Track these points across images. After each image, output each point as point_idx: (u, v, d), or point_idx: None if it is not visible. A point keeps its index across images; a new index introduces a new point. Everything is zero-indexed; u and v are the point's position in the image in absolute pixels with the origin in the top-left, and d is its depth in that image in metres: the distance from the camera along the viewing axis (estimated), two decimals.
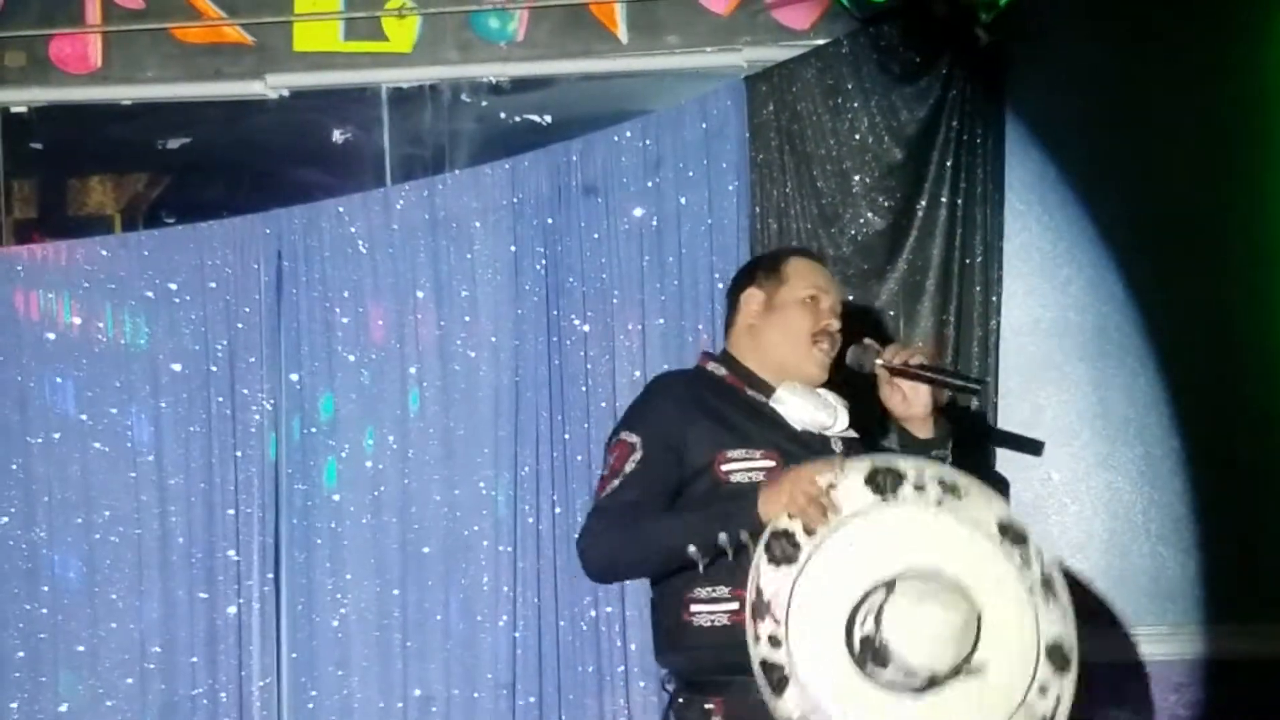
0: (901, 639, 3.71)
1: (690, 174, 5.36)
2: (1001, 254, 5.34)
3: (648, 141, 5.38)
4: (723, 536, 3.89)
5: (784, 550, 3.84)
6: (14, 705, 5.42)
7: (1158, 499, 5.34)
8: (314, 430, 5.43)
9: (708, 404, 4.17)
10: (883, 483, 3.86)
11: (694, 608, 4.03)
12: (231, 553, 5.41)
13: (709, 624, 4.04)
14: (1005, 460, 5.30)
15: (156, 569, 5.42)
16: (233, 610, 5.41)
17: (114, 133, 5.78)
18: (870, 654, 3.74)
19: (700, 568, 3.92)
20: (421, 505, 5.39)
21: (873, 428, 4.40)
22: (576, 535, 4.08)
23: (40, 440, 5.46)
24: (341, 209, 5.45)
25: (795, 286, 4.27)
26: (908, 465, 3.87)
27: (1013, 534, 3.83)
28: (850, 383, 4.25)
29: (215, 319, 5.46)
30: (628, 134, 5.38)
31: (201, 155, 5.82)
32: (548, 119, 5.66)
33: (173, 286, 5.46)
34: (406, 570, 5.38)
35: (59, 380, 5.46)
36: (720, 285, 5.30)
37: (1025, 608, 3.81)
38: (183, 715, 5.40)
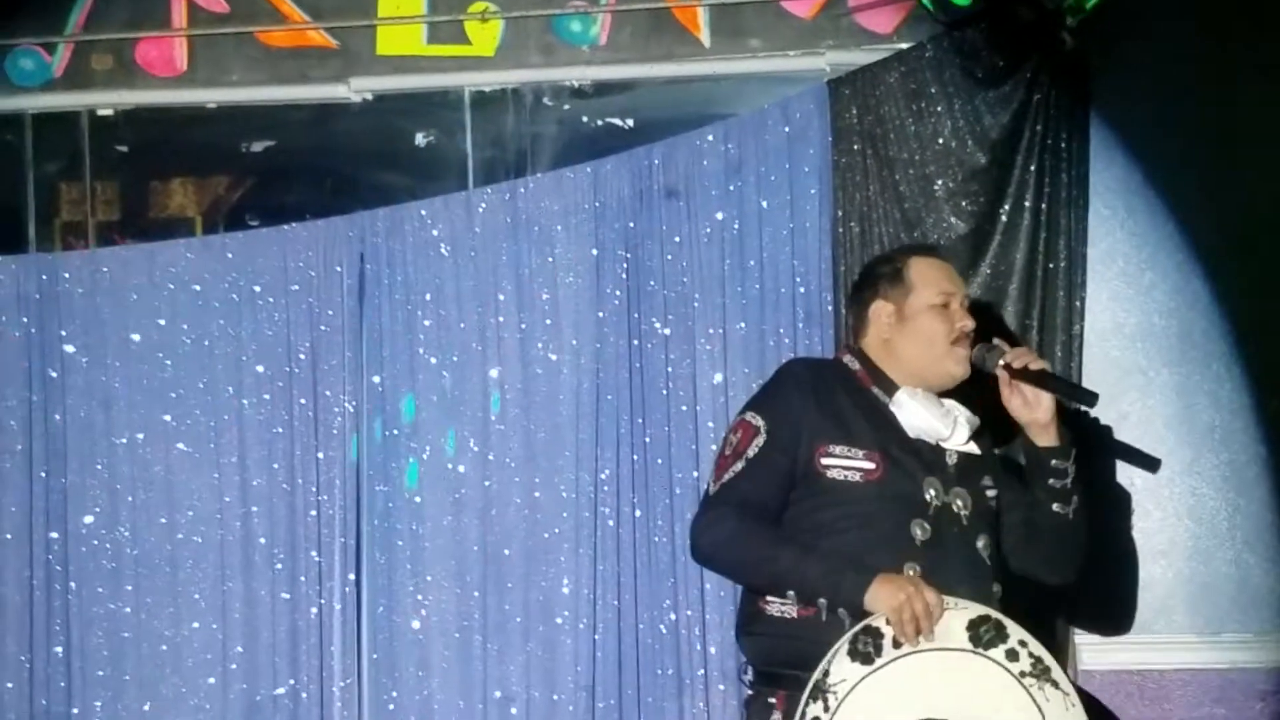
0: None
1: (772, 178, 5.41)
2: (1085, 259, 5.36)
3: (729, 145, 5.44)
4: (822, 602, 4.07)
5: (867, 647, 3.97)
6: (98, 704, 5.55)
7: (1243, 505, 5.36)
8: (395, 432, 5.52)
9: (828, 394, 4.30)
10: (983, 634, 4.00)
11: (770, 596, 4.18)
12: (313, 554, 5.52)
13: (779, 614, 4.18)
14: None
15: (239, 569, 5.53)
16: (314, 611, 5.51)
17: (198, 135, 5.88)
18: None
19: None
20: (502, 507, 5.48)
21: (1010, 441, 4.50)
22: (691, 515, 4.32)
23: (125, 441, 5.58)
24: (424, 212, 5.54)
25: (923, 294, 4.38)
26: (1014, 629, 4.00)
27: None
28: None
29: (298, 321, 5.56)
30: (709, 138, 5.44)
31: (284, 158, 5.90)
32: (630, 122, 5.72)
33: (256, 288, 5.58)
34: (486, 572, 5.47)
35: (144, 382, 5.58)
36: (801, 290, 5.39)
37: None
38: (265, 715, 5.51)
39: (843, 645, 3.97)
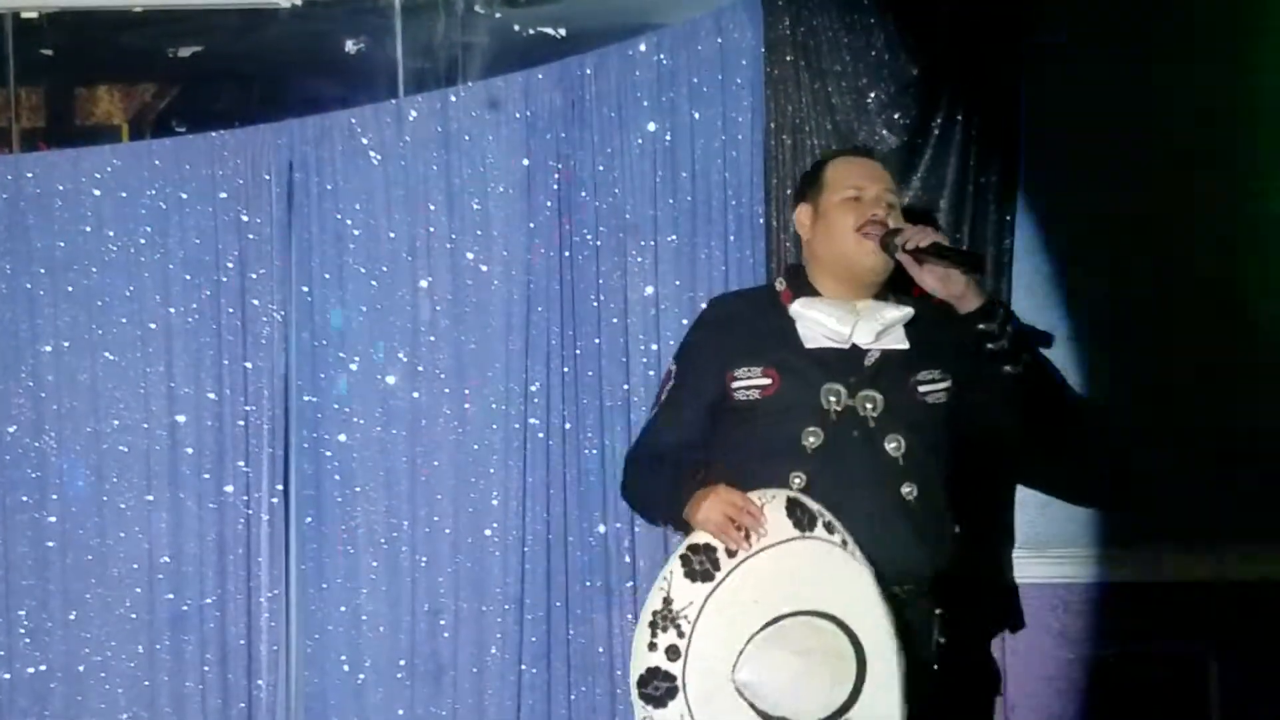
0: (767, 686, 3.97)
1: (704, 89, 5.51)
2: (1017, 173, 5.52)
3: (662, 56, 5.53)
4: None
5: (703, 565, 4.11)
6: (22, 612, 5.65)
7: None
8: (324, 343, 5.63)
9: (745, 322, 4.47)
10: (800, 517, 4.12)
11: None
12: (241, 464, 5.63)
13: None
14: None
15: (165, 479, 5.63)
16: (242, 521, 5.63)
17: (124, 40, 5.92)
18: (744, 695, 4.00)
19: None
20: (431, 419, 5.60)
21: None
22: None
23: (49, 349, 5.66)
24: (354, 120, 5.63)
25: (835, 189, 4.50)
26: (818, 507, 4.12)
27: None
28: None
29: (226, 229, 5.64)
30: (641, 48, 5.54)
31: (212, 64, 5.96)
32: (562, 32, 5.80)
33: (184, 196, 5.65)
34: (415, 484, 5.59)
35: (69, 289, 5.66)
36: (733, 202, 5.51)
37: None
38: (191, 625, 5.62)
39: (676, 568, 4.11)
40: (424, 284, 5.62)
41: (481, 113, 5.60)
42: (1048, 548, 5.52)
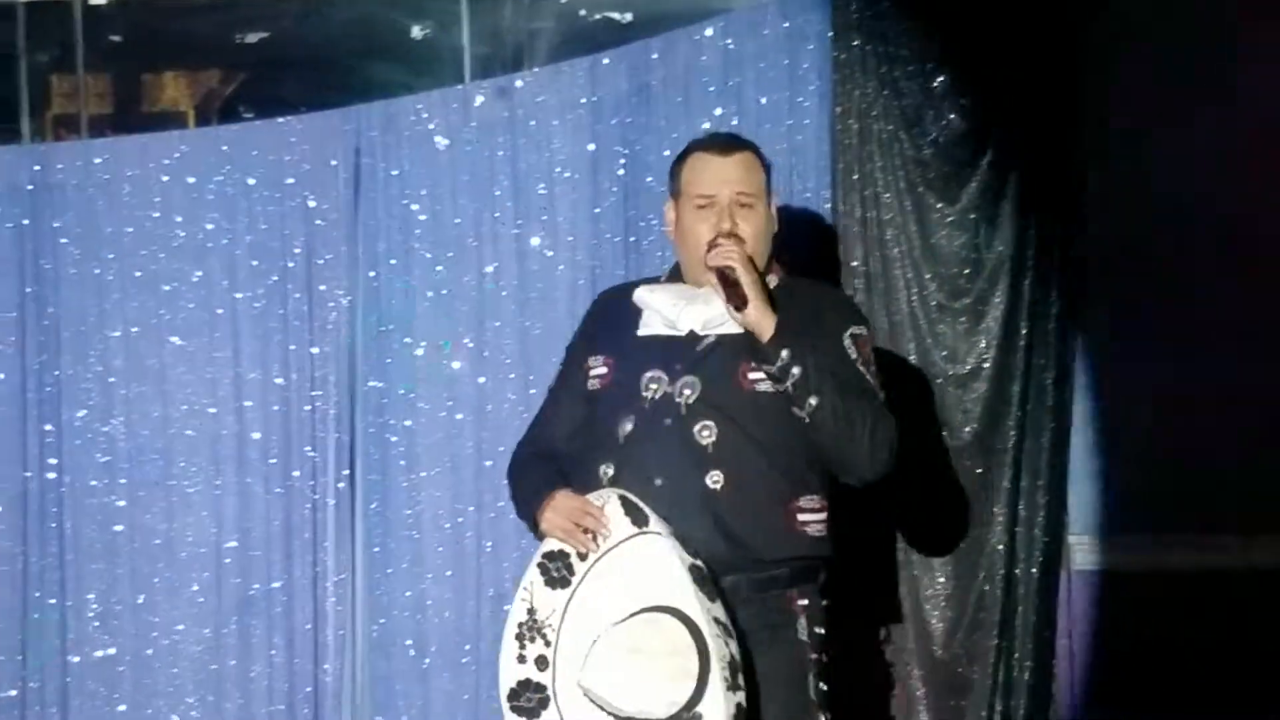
0: (605, 687, 3.98)
1: (771, 74, 5.55)
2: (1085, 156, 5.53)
3: (728, 41, 5.57)
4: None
5: (560, 572, 4.13)
6: (91, 597, 5.76)
7: None
8: (390, 328, 5.70)
9: (605, 312, 4.46)
10: (635, 514, 4.12)
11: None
12: (308, 449, 5.73)
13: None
14: None
15: (233, 464, 5.73)
16: (308, 506, 5.72)
17: (191, 26, 6.03)
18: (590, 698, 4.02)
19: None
20: (496, 404, 5.66)
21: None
22: None
23: (118, 334, 5.76)
24: (420, 106, 5.70)
25: (688, 193, 4.34)
26: (630, 496, 4.13)
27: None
28: None
29: (293, 215, 5.73)
30: (708, 32, 5.58)
31: (278, 50, 6.07)
32: (628, 17, 5.89)
33: (251, 181, 5.73)
34: (481, 469, 5.65)
35: (138, 275, 5.75)
36: (800, 187, 5.55)
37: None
38: (258, 609, 5.72)
39: (536, 578, 4.15)
40: (489, 269, 5.68)
41: (547, 98, 5.65)
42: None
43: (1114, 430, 5.56)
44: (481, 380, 5.67)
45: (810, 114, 5.54)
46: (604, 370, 4.36)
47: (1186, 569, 5.47)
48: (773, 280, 4.32)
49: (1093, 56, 5.49)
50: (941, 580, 5.44)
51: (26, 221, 5.77)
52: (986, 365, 5.46)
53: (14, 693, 5.75)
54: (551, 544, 4.18)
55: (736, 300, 4.14)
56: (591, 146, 5.63)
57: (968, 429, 5.45)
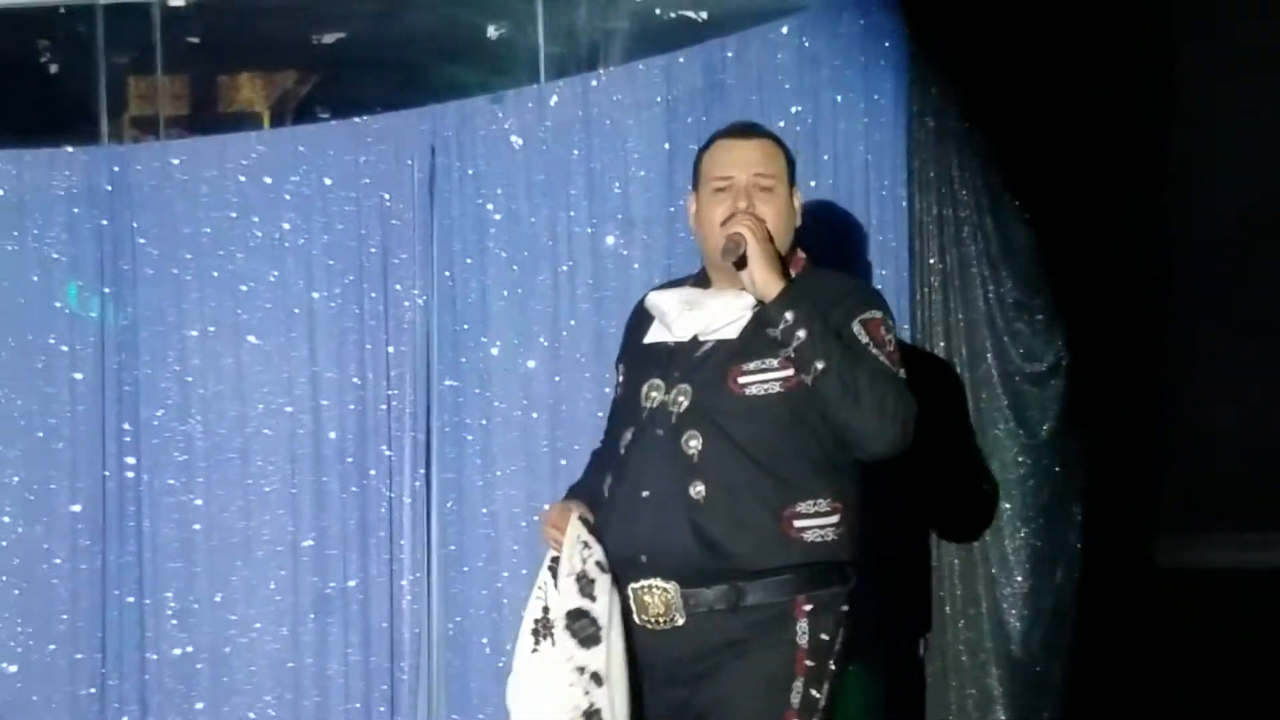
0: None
1: (847, 72, 5.57)
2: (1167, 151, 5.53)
3: (804, 38, 5.59)
4: None
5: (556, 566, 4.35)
6: (169, 595, 5.81)
7: None
8: (466, 327, 5.74)
9: (633, 318, 4.52)
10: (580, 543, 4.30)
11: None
12: (384, 448, 5.77)
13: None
14: None
15: (309, 463, 5.78)
16: (384, 505, 5.77)
17: (268, 28, 6.09)
18: None
19: None
20: (571, 403, 5.69)
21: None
22: None
23: (196, 333, 5.81)
24: (495, 105, 5.75)
25: (707, 179, 4.39)
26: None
27: None
28: None
29: (369, 214, 5.78)
30: (784, 30, 5.60)
31: (354, 51, 6.11)
32: (703, 15, 5.89)
33: (327, 181, 5.78)
34: (556, 468, 5.67)
35: (215, 274, 5.81)
36: (876, 185, 5.57)
37: None
38: (335, 607, 5.77)
39: (548, 579, 4.35)
40: (564, 268, 5.71)
41: (623, 97, 5.68)
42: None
43: (1197, 427, 5.55)
44: (556, 379, 5.70)
45: (886, 111, 5.56)
46: (620, 379, 4.45)
47: (1272, 567, 5.46)
48: (792, 271, 4.33)
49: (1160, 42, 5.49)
50: (1019, 579, 5.44)
51: (105, 222, 5.84)
52: (1064, 362, 5.46)
53: (93, 690, 5.81)
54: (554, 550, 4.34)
55: (738, 260, 4.17)
56: (667, 145, 5.65)
57: (1045, 426, 5.46)
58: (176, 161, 5.85)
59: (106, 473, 5.83)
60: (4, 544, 5.82)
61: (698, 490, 4.19)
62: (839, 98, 5.59)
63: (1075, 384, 5.44)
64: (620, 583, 4.27)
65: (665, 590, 4.22)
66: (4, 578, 5.82)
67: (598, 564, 4.25)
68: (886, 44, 5.56)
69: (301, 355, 5.80)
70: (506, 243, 5.74)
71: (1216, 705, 5.52)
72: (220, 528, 5.81)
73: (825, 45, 5.59)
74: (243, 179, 5.82)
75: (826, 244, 5.52)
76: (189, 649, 5.81)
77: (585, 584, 4.23)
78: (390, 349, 5.78)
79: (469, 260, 5.76)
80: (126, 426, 5.83)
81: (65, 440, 5.83)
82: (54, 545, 5.82)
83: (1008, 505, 5.46)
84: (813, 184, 5.55)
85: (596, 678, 4.18)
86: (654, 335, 4.37)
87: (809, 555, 4.20)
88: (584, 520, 4.30)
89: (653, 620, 4.25)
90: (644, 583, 4.25)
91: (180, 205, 5.83)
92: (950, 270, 5.50)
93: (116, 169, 5.84)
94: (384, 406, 5.79)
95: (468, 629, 5.73)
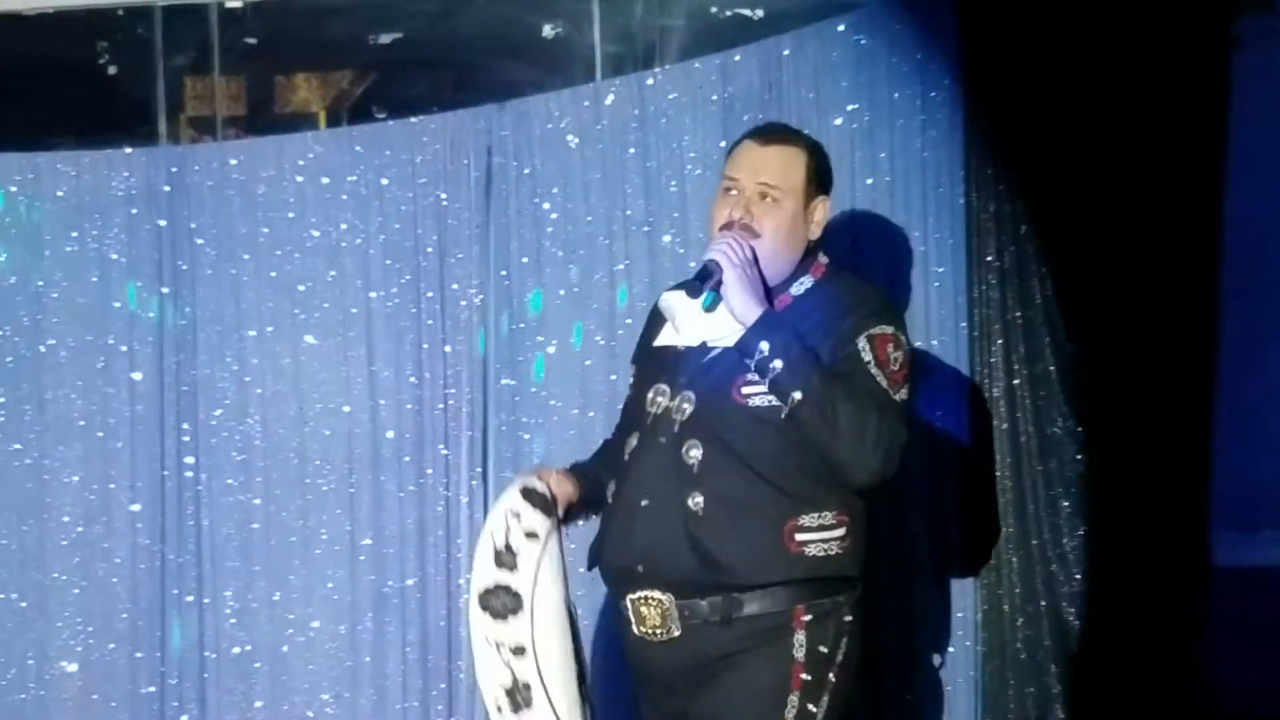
0: None
1: (904, 69, 5.58)
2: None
3: (860, 36, 5.61)
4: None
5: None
6: (228, 594, 5.87)
7: None
8: (522, 325, 5.78)
9: (651, 317, 4.47)
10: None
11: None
12: (441, 447, 5.81)
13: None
14: None
15: (367, 462, 5.82)
16: (441, 505, 5.81)
17: (326, 28, 6.14)
18: None
19: None
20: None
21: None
22: None
23: (254, 333, 5.87)
24: (552, 104, 5.78)
25: (722, 177, 4.34)
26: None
27: None
28: None
29: (426, 214, 5.82)
30: (840, 28, 5.62)
31: (410, 51, 6.14)
32: (759, 13, 5.90)
33: (384, 181, 5.83)
34: None
35: (273, 274, 5.86)
36: (933, 182, 5.57)
37: None
38: (393, 606, 5.82)
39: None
40: (621, 266, 5.74)
41: (679, 95, 5.70)
42: None
43: (1257, 424, 5.55)
44: (613, 378, 5.72)
45: (943, 108, 5.57)
46: (631, 379, 4.43)
47: None
48: (807, 282, 4.26)
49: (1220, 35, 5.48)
50: (1078, 577, 5.46)
51: (164, 223, 5.90)
52: (1122, 360, 5.46)
53: (153, 689, 5.88)
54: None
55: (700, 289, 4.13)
56: (723, 143, 5.60)
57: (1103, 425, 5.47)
58: (234, 162, 5.91)
59: (165, 472, 5.89)
60: (64, 543, 5.89)
61: (696, 501, 4.15)
62: (896, 95, 5.60)
63: (1133, 382, 5.44)
64: (619, 593, 4.27)
65: (660, 602, 4.19)
66: (64, 577, 5.89)
67: (526, 534, 4.20)
68: (943, 40, 5.57)
69: (359, 355, 5.85)
70: (563, 241, 5.78)
71: (1273, 702, 5.51)
72: (279, 527, 5.87)
73: (882, 42, 5.60)
74: (300, 179, 5.87)
75: (883, 241, 5.58)
76: (247, 648, 5.87)
77: (505, 556, 4.19)
78: (447, 348, 5.82)
79: (525, 259, 5.79)
80: (185, 426, 5.89)
81: (124, 440, 5.89)
82: (114, 544, 5.89)
83: (1066, 504, 5.47)
84: (869, 181, 5.59)
85: (519, 650, 4.16)
86: (664, 338, 4.33)
87: (810, 570, 4.14)
88: (529, 490, 4.24)
89: (650, 632, 4.23)
90: (640, 594, 4.22)
91: (238, 205, 5.89)
92: (1008, 267, 5.51)
93: (175, 170, 5.90)
94: (441, 406, 5.83)
95: None
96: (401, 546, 5.83)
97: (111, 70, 6.16)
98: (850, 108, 5.61)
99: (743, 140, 4.36)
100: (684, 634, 4.18)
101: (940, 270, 5.55)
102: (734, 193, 4.26)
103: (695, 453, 4.17)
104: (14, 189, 5.92)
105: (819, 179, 4.33)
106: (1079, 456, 5.45)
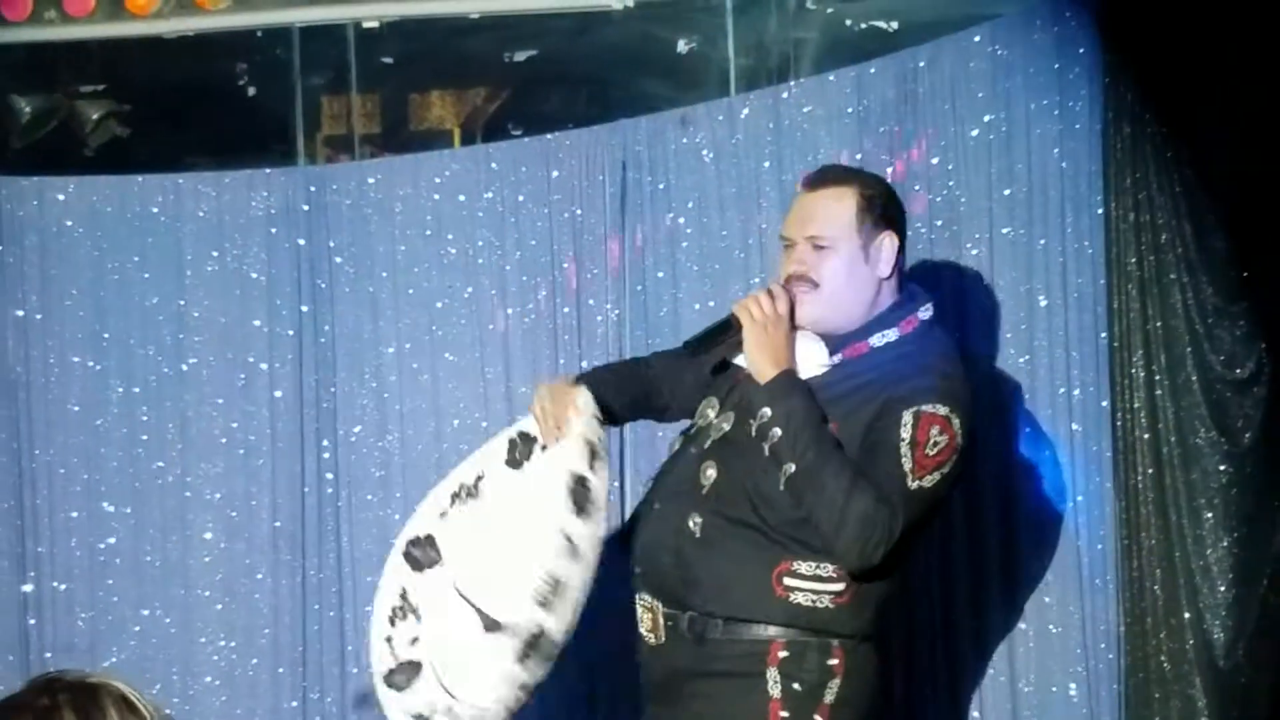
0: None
1: (1041, 79, 5.62)
2: None
3: (997, 47, 5.64)
4: None
5: (520, 455, 4.58)
6: (369, 609, 6.03)
7: None
8: (658, 341, 5.83)
9: None
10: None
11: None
12: None
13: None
14: None
15: None
16: None
17: (462, 46, 6.30)
18: None
19: None
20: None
21: None
22: None
23: (392, 350, 6.05)
24: (686, 118, 5.93)
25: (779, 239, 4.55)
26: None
27: None
28: None
29: (561, 230, 5.97)
30: (976, 39, 5.66)
31: (545, 68, 6.31)
32: (894, 25, 6.01)
33: (520, 198, 5.98)
34: None
35: (410, 292, 6.04)
36: (1071, 192, 5.58)
37: None
38: None
39: (500, 452, 4.46)
40: (756, 280, 5.78)
41: (814, 108, 5.79)
42: None
43: None
44: None
45: (1081, 118, 5.60)
46: (705, 362, 4.59)
47: None
48: (891, 335, 4.39)
49: None
50: (1223, 589, 5.50)
51: (302, 242, 6.11)
52: (1267, 369, 5.51)
53: (295, 704, 6.06)
54: (528, 425, 4.47)
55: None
56: (859, 156, 5.74)
57: (1248, 434, 5.50)
58: (371, 181, 6.10)
59: (306, 489, 6.09)
60: (207, 559, 6.10)
61: (696, 521, 4.32)
62: (1033, 105, 5.64)
63: (1278, 390, 5.49)
64: (631, 589, 4.49)
65: (650, 608, 4.38)
66: (207, 593, 6.11)
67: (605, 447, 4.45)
68: (1081, 50, 5.59)
69: (496, 371, 6.00)
70: (698, 256, 5.89)
71: None
72: None
73: (1019, 52, 5.64)
74: (437, 197, 6.04)
75: (1021, 252, 5.65)
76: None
77: (593, 453, 4.39)
78: (584, 364, 5.91)
79: (661, 274, 5.91)
80: (325, 443, 6.09)
81: (265, 457, 6.10)
82: (255, 560, 6.10)
83: (1209, 515, 5.51)
84: (1007, 192, 5.63)
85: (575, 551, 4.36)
86: (743, 357, 4.47)
87: (791, 617, 4.23)
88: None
89: (645, 634, 4.43)
90: (638, 595, 4.44)
91: (375, 223, 6.07)
92: (1148, 277, 5.54)
93: (313, 189, 6.10)
94: None
95: None
96: None
97: (250, 91, 6.38)
98: (987, 118, 5.66)
99: (801, 190, 4.54)
100: (666, 642, 4.35)
101: (1079, 280, 5.60)
102: (788, 250, 4.43)
103: (710, 474, 4.34)
104: (155, 210, 6.15)
105: (875, 215, 4.45)
106: (1222, 467, 5.50)
